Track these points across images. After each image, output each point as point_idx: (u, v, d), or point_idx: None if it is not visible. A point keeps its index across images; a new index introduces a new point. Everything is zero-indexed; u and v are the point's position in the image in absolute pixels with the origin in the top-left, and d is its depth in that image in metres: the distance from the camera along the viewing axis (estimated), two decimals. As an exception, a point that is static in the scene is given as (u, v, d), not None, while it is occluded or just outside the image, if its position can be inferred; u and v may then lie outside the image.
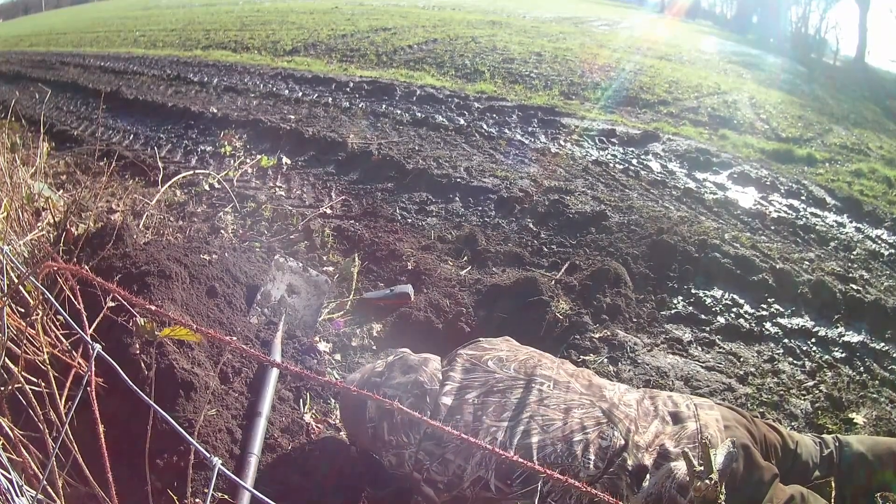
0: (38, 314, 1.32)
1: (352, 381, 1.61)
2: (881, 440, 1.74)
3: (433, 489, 1.41)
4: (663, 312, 2.69)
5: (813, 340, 2.63)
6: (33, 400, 1.17)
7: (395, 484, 1.59)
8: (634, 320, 2.61)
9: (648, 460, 1.36)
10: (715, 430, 1.42)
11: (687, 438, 1.39)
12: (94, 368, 0.88)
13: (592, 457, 1.34)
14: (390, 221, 3.41)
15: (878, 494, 1.67)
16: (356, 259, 2.75)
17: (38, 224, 2.31)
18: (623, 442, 1.37)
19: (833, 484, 1.46)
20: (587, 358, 2.33)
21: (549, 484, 1.32)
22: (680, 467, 1.32)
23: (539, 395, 1.45)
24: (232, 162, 4.32)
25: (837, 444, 1.65)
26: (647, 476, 1.33)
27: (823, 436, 1.73)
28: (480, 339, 1.68)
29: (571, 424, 1.39)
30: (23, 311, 1.53)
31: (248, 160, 4.25)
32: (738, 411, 1.56)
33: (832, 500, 1.45)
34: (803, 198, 4.26)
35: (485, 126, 5.30)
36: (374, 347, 2.24)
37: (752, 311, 2.77)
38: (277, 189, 3.89)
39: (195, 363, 1.69)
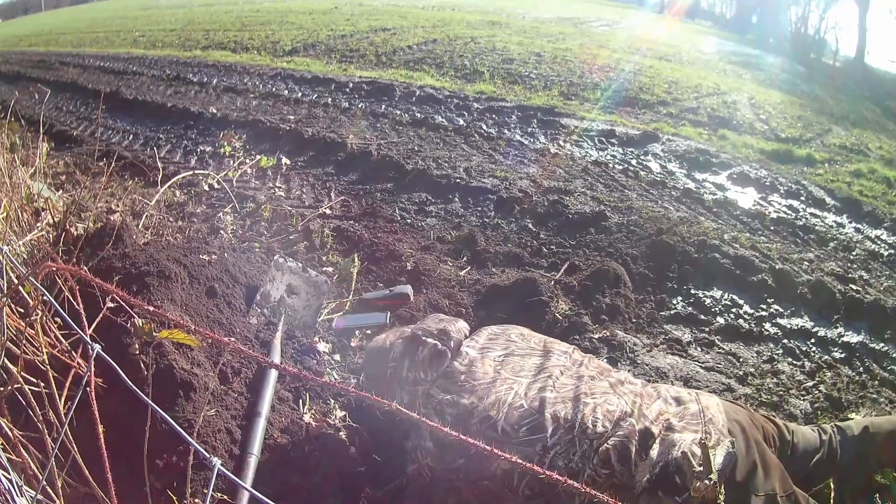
0: (37, 314, 1.32)
1: (382, 336, 1.74)
2: (879, 418, 1.78)
3: (440, 419, 1.44)
4: (663, 313, 2.70)
5: (812, 341, 2.63)
6: (32, 400, 1.17)
7: (395, 480, 1.60)
8: (634, 321, 2.62)
9: (655, 430, 1.39)
10: (717, 412, 1.44)
11: (690, 416, 1.43)
12: (93, 369, 0.88)
13: (600, 417, 1.39)
14: (390, 222, 3.41)
15: (877, 495, 1.67)
16: (355, 259, 2.75)
17: (38, 224, 2.31)
18: (629, 409, 1.42)
19: (832, 485, 1.47)
20: (587, 358, 2.33)
21: (556, 437, 1.36)
22: (685, 438, 1.34)
23: (555, 364, 1.56)
24: (231, 162, 4.32)
25: (836, 429, 1.68)
26: (655, 444, 1.36)
27: (822, 424, 1.76)
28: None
29: (581, 390, 1.47)
30: (22, 311, 1.53)
31: (247, 160, 4.25)
32: (737, 403, 1.61)
33: (831, 501, 1.45)
34: (803, 198, 4.27)
35: (484, 126, 5.30)
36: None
37: (752, 311, 2.77)
38: (277, 189, 3.89)
39: (194, 363, 1.69)
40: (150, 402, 0.79)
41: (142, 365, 1.54)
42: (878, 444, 1.62)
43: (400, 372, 1.56)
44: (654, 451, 1.36)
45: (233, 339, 1.93)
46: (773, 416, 1.71)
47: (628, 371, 2.28)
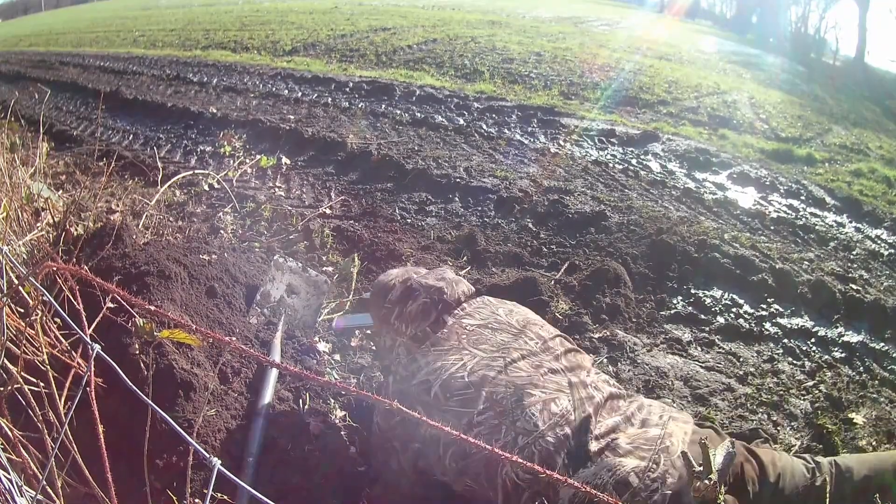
0: (37, 314, 1.31)
1: (393, 273, 1.79)
2: (885, 457, 1.52)
3: (392, 377, 1.55)
4: (663, 312, 2.70)
5: (812, 340, 2.63)
6: (32, 400, 1.17)
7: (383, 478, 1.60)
8: (634, 320, 2.61)
9: (594, 447, 1.33)
10: (678, 442, 1.34)
11: (644, 440, 1.35)
12: (93, 369, 0.88)
13: (537, 413, 1.34)
14: (390, 221, 3.41)
15: (877, 496, 1.67)
16: (355, 259, 2.75)
17: (38, 224, 2.31)
18: (572, 417, 1.36)
19: None
20: (587, 358, 2.33)
21: (485, 416, 1.35)
22: (626, 465, 1.28)
23: (520, 346, 1.51)
24: (231, 162, 4.32)
25: (835, 469, 1.42)
26: (588, 463, 1.30)
27: (819, 459, 1.48)
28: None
29: (534, 380, 1.41)
30: (22, 311, 1.53)
31: (247, 160, 4.25)
32: (720, 434, 1.46)
33: None
34: (803, 198, 4.27)
35: (484, 126, 5.30)
36: (373, 348, 2.24)
37: (752, 311, 2.77)
38: (277, 189, 3.89)
39: (194, 363, 1.69)
40: (150, 402, 0.79)
41: (142, 365, 1.54)
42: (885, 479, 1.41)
43: (389, 317, 1.64)
44: (587, 471, 1.29)
45: (233, 338, 1.93)
46: (764, 449, 1.50)
47: (628, 369, 2.28)
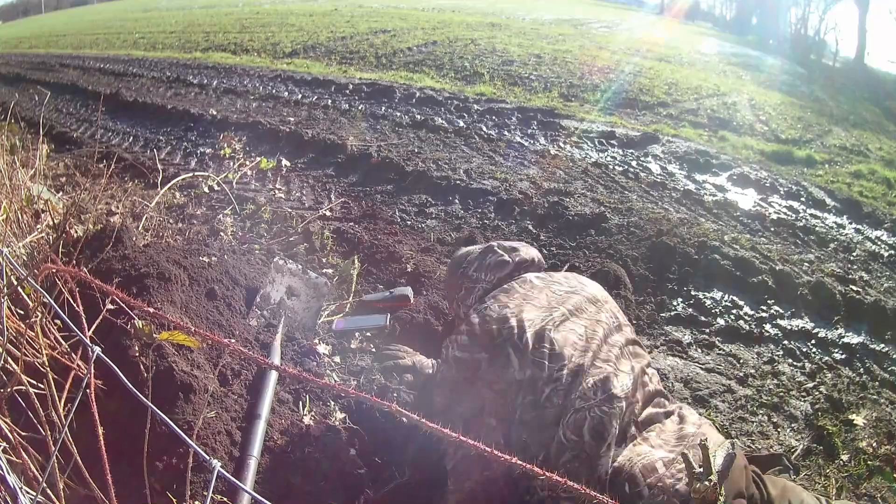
0: (37, 316, 1.31)
1: (460, 253, 1.90)
2: None
3: (479, 317, 1.57)
4: (663, 314, 2.69)
5: (813, 342, 2.63)
6: (36, 401, 1.17)
7: (395, 481, 1.60)
8: (634, 322, 2.61)
9: (633, 431, 1.42)
10: (711, 444, 1.30)
11: (678, 437, 1.41)
12: (93, 371, 0.88)
13: (601, 384, 1.39)
14: (390, 223, 3.41)
15: (877, 496, 1.67)
16: (355, 261, 2.75)
17: (38, 226, 2.30)
18: (630, 398, 1.41)
19: None
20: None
21: (563, 374, 1.40)
22: (656, 454, 1.34)
23: (600, 318, 1.57)
24: (231, 164, 4.32)
25: None
26: (624, 444, 1.39)
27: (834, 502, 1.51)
28: None
29: (606, 354, 1.48)
30: (22, 313, 1.53)
31: (247, 162, 4.25)
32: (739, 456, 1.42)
33: None
34: (803, 199, 4.27)
35: (484, 128, 5.31)
36: (373, 350, 2.24)
37: (752, 312, 2.77)
38: (277, 191, 3.89)
39: (194, 365, 1.69)
40: (149, 404, 0.79)
41: (142, 367, 1.54)
42: None
43: (468, 270, 1.76)
44: (622, 451, 1.37)
45: (233, 340, 1.93)
46: (781, 479, 1.51)
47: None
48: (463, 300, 1.77)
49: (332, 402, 1.90)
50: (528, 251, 1.81)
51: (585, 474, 1.31)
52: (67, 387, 1.28)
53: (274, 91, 6.90)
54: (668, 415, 1.51)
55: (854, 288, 3.02)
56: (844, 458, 1.98)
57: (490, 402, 1.46)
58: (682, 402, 2.15)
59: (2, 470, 1.00)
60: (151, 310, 0.86)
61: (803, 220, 3.84)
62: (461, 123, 5.45)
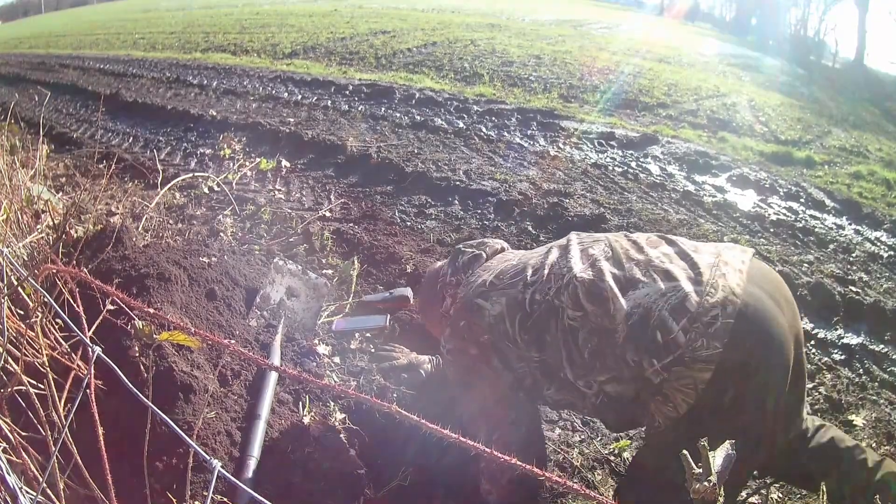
0: (37, 316, 1.32)
1: (432, 270, 1.92)
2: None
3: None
4: (662, 315, 2.69)
5: (812, 342, 2.63)
6: (36, 402, 1.17)
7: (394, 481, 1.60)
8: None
9: (638, 272, 1.28)
10: (734, 271, 1.22)
11: (695, 265, 1.25)
12: (93, 371, 0.88)
13: (577, 257, 1.40)
14: (389, 224, 3.41)
15: (877, 496, 1.67)
16: (355, 262, 2.75)
17: (38, 226, 2.30)
18: (610, 254, 1.37)
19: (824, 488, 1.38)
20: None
21: (535, 276, 1.42)
22: (681, 287, 1.20)
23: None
24: (231, 165, 4.32)
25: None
26: (640, 285, 1.25)
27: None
28: None
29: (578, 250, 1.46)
30: (22, 313, 1.53)
31: (247, 163, 4.25)
32: (778, 274, 1.36)
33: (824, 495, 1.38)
34: (802, 200, 4.27)
35: (484, 129, 5.31)
36: (373, 350, 2.24)
37: (751, 313, 2.77)
38: (277, 192, 3.90)
39: (194, 366, 1.69)
40: (150, 404, 0.79)
41: (142, 367, 1.54)
42: None
43: (446, 278, 1.71)
44: (639, 292, 1.23)
45: (233, 341, 1.93)
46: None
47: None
48: (448, 309, 1.72)
49: (332, 403, 1.90)
50: (495, 242, 1.80)
51: (610, 348, 1.23)
52: (67, 387, 1.28)
53: (274, 92, 6.91)
54: (676, 247, 1.35)
55: (853, 289, 3.03)
56: (844, 458, 1.98)
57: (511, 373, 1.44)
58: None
59: (2, 470, 1.00)
60: (151, 310, 0.86)
61: (803, 221, 3.84)
62: (461, 124, 5.46)
